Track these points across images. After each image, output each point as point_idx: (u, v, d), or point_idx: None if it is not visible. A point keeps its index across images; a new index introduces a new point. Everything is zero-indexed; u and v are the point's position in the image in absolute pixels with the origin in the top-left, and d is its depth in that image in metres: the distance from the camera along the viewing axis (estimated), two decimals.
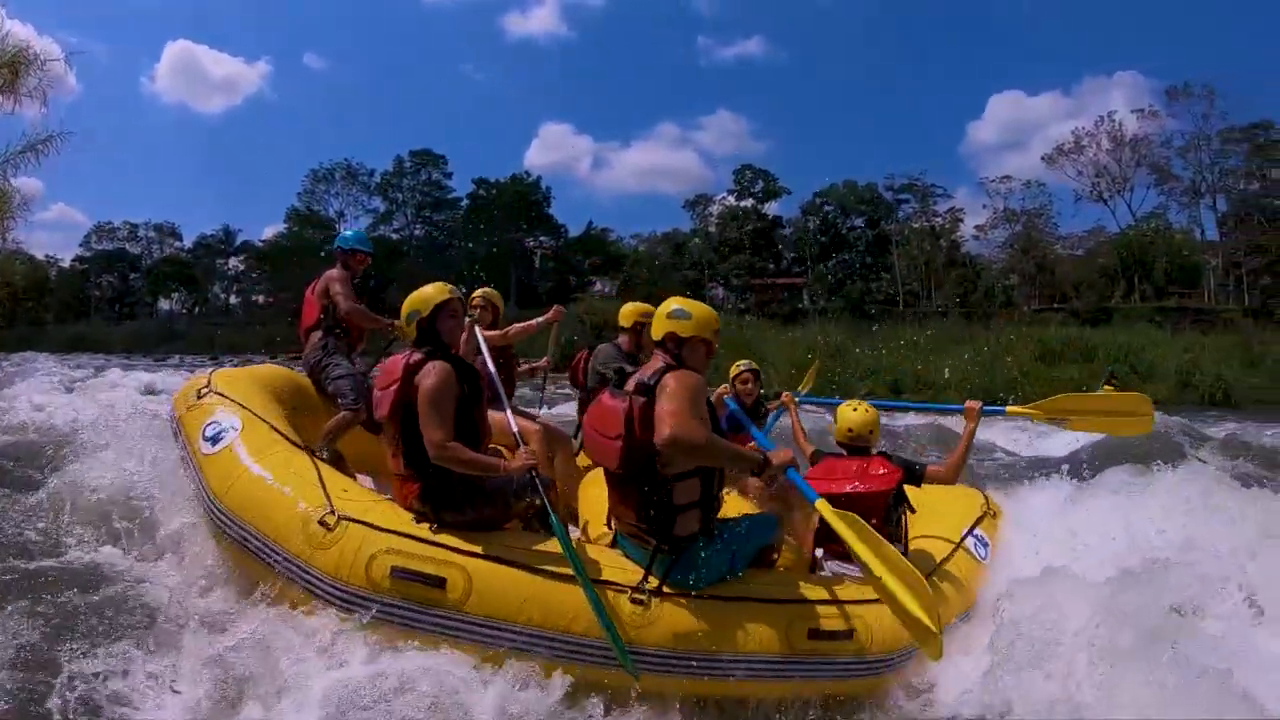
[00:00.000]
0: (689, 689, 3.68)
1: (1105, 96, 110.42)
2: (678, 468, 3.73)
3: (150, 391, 16.42)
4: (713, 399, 4.62)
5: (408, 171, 79.30)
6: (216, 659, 3.50)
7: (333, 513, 3.89)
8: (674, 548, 3.77)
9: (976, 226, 69.32)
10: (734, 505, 4.86)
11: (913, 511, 4.91)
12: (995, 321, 43.40)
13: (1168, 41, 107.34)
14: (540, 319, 6.45)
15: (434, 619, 3.61)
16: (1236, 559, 4.86)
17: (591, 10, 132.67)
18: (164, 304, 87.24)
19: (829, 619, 3.91)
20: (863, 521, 3.84)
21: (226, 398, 5.07)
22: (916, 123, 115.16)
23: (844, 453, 4.98)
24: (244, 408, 4.95)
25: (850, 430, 4.93)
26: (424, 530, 3.84)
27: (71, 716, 3.23)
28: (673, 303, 4.06)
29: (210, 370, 5.60)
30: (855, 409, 5.00)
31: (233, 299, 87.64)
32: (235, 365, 5.77)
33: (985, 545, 5.35)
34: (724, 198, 76.42)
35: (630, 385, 3.87)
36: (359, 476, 5.12)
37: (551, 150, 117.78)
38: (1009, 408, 5.58)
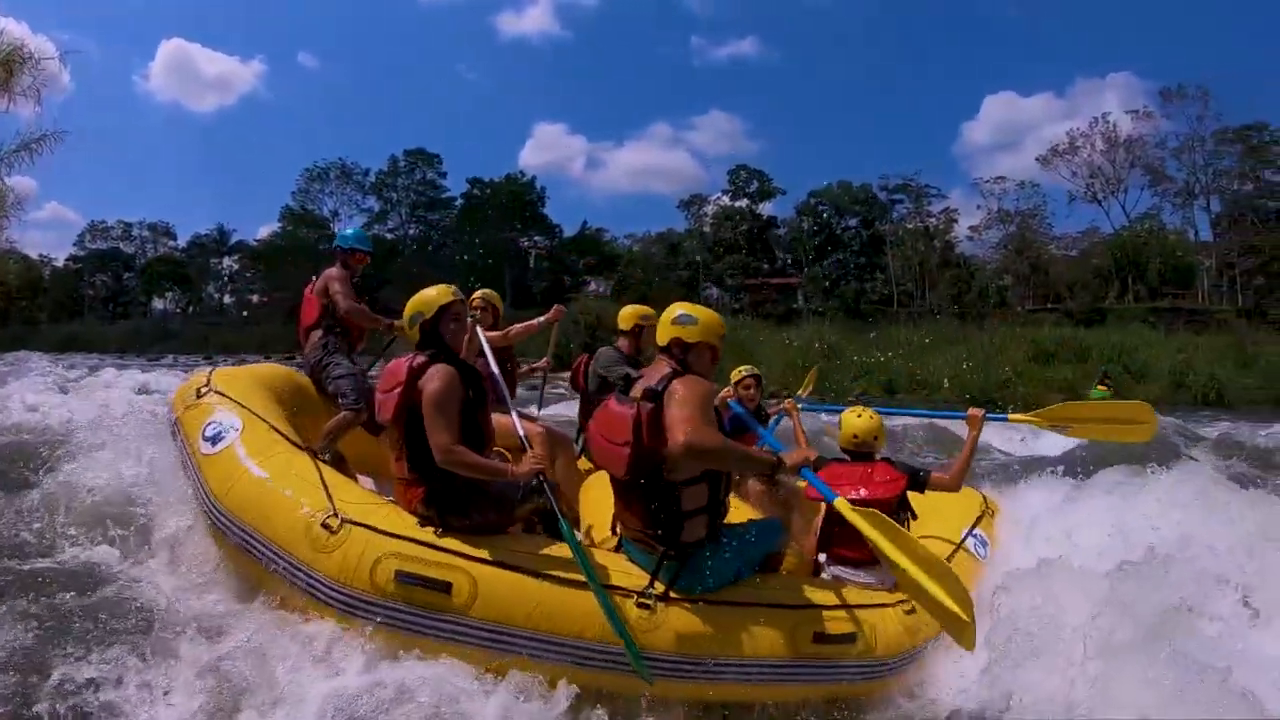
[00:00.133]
0: (695, 693, 3.67)
1: (1099, 97, 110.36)
2: (686, 474, 3.71)
3: (144, 391, 16.33)
4: (715, 402, 4.61)
5: (402, 171, 79.31)
6: (212, 667, 3.46)
7: (336, 515, 3.84)
8: (681, 554, 3.75)
9: (971, 227, 69.60)
10: (735, 510, 4.86)
11: (914, 518, 4.92)
12: (989, 322, 43.51)
13: (1162, 43, 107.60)
14: (541, 319, 6.42)
15: (439, 624, 3.56)
16: (1234, 558, 4.87)
17: (585, 10, 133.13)
18: (158, 303, 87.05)
19: (834, 623, 3.92)
20: (884, 516, 3.82)
21: (226, 397, 5.01)
22: (911, 123, 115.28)
23: (847, 458, 4.97)
24: (244, 407, 4.89)
25: (855, 436, 4.92)
26: (428, 534, 3.79)
27: None
28: (678, 308, 4.03)
29: (209, 369, 5.54)
30: (859, 415, 4.99)
31: (227, 299, 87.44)
32: (230, 365, 5.71)
33: (985, 545, 5.38)
34: (718, 198, 76.77)
35: (637, 391, 3.84)
36: (360, 478, 5.08)
37: (545, 150, 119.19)
38: (1011, 415, 5.63)
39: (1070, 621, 3.86)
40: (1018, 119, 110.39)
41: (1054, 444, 11.77)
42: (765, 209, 75.17)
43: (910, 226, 70.18)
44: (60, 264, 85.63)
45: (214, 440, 4.62)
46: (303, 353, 5.87)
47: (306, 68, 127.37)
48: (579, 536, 4.45)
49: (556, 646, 3.55)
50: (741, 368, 6.05)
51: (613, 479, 4.02)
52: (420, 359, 4.00)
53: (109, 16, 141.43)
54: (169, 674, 3.49)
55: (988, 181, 68.86)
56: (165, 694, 3.39)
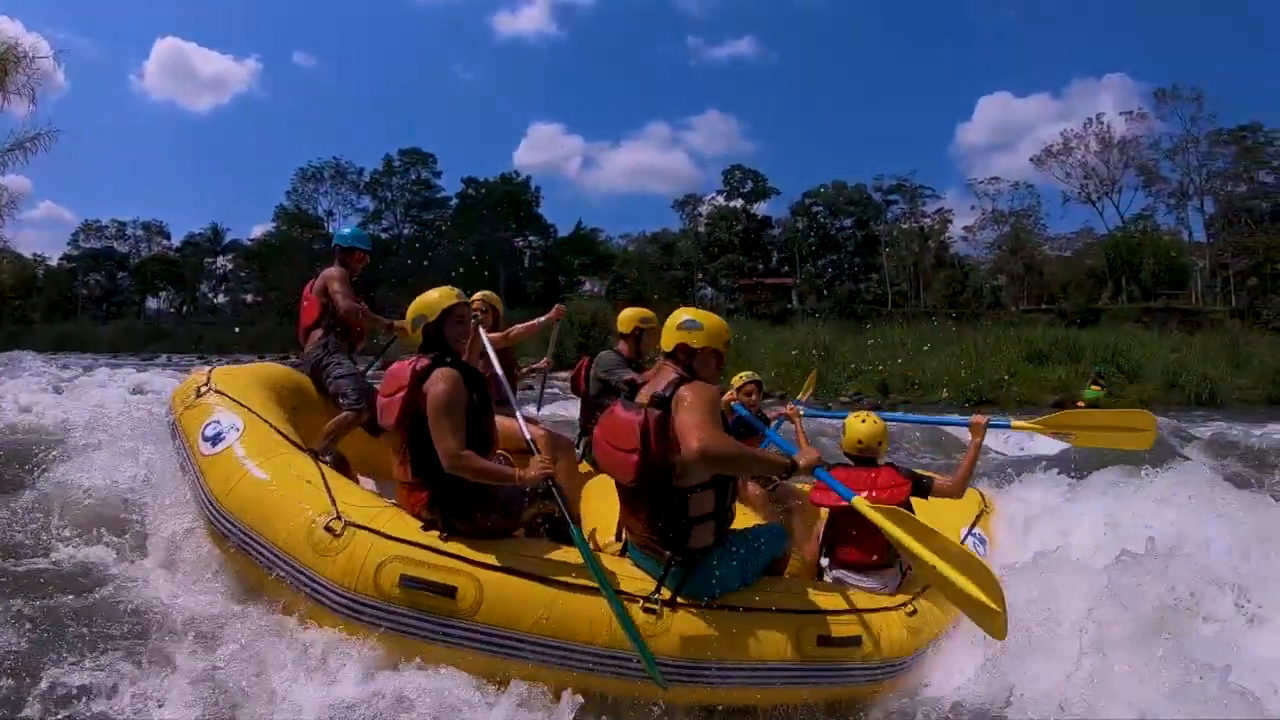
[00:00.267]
0: (701, 698, 3.67)
1: (1094, 99, 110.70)
2: (694, 480, 3.70)
3: (138, 391, 16.29)
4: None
5: (397, 170, 79.28)
6: (207, 676, 3.42)
7: (339, 519, 3.80)
8: (688, 560, 3.74)
9: (965, 227, 69.92)
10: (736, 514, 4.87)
11: None
12: (983, 322, 43.56)
13: (1156, 44, 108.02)
14: (542, 318, 6.40)
15: (444, 629, 3.55)
16: (1231, 558, 4.89)
17: (581, 10, 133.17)
18: (152, 303, 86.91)
19: (838, 626, 3.93)
20: (906, 513, 3.83)
21: (226, 396, 4.94)
22: (905, 124, 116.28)
23: (851, 463, 4.98)
24: (244, 407, 4.82)
25: (860, 442, 4.91)
26: (433, 538, 3.76)
27: None
28: (683, 313, 4.01)
29: (208, 367, 5.47)
30: (864, 420, 4.97)
31: (221, 298, 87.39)
32: (226, 365, 5.66)
33: (984, 543, 5.40)
34: (713, 198, 76.85)
35: (643, 397, 3.83)
36: (360, 479, 5.05)
37: (541, 150, 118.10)
38: (1014, 423, 5.64)
39: (1068, 616, 3.86)
40: (1012, 120, 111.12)
41: (1049, 443, 11.76)
42: (760, 209, 75.47)
43: (905, 227, 70.38)
44: (54, 263, 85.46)
45: (214, 441, 4.56)
46: (299, 352, 5.83)
47: (301, 67, 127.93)
48: None
49: (564, 652, 3.53)
50: (742, 374, 6.05)
51: (619, 485, 3.97)
52: (423, 362, 3.96)
53: (104, 15, 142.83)
54: (164, 682, 3.44)
55: (982, 182, 69.23)
56: (160, 705, 3.34)
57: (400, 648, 3.57)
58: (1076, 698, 3.51)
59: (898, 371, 31.55)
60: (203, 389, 5.08)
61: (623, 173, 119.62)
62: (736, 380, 5.97)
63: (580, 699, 3.48)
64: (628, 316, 6.15)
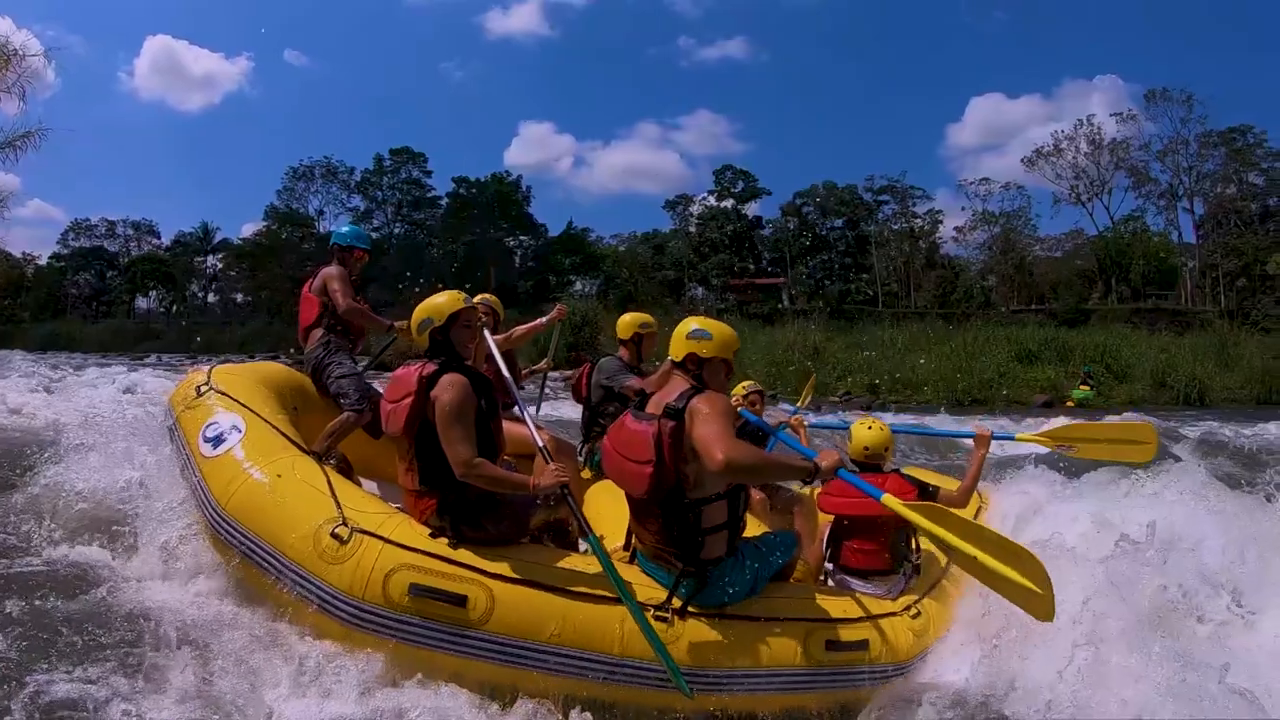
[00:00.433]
0: (713, 705, 3.63)
1: (1085, 100, 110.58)
2: (707, 491, 3.69)
3: (129, 391, 16.19)
4: None
5: (387, 170, 78.82)
6: (200, 690, 3.35)
7: (345, 525, 3.75)
8: (700, 571, 3.73)
9: (955, 228, 69.84)
10: None
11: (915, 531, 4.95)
12: (973, 322, 43.69)
13: (1147, 46, 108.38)
14: (544, 319, 6.39)
15: (454, 638, 3.51)
16: (1225, 558, 4.91)
17: (573, 9, 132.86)
18: (141, 302, 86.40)
19: (845, 631, 3.93)
20: (939, 507, 3.81)
21: (227, 396, 4.86)
22: (897, 124, 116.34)
23: (857, 470, 4.99)
24: (246, 408, 4.74)
25: (867, 448, 4.91)
26: (442, 546, 3.72)
27: None
28: (692, 322, 3.99)
29: (208, 366, 5.38)
30: (870, 427, 4.99)
31: (211, 297, 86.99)
32: (218, 364, 5.58)
33: None
34: (704, 198, 76.58)
35: (653, 408, 3.80)
36: (363, 482, 5.00)
37: (532, 149, 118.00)
38: (1018, 435, 5.78)
39: (1065, 609, 3.85)
40: (1003, 121, 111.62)
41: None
42: (751, 209, 75.31)
43: (895, 227, 70.44)
44: (43, 262, 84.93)
45: (215, 442, 4.48)
46: (289, 351, 5.79)
47: (293, 65, 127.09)
48: (585, 547, 4.40)
49: (578, 661, 3.51)
50: (744, 383, 6.07)
51: (629, 497, 3.95)
52: (430, 367, 3.92)
53: (94, 12, 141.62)
54: (157, 699, 3.34)
55: (973, 183, 69.17)
56: None
57: (409, 658, 3.53)
58: (1073, 694, 3.52)
59: (887, 371, 31.65)
60: (203, 388, 4.99)
61: (614, 173, 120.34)
62: (739, 390, 5.98)
63: (589, 715, 3.48)
64: (627, 322, 6.12)
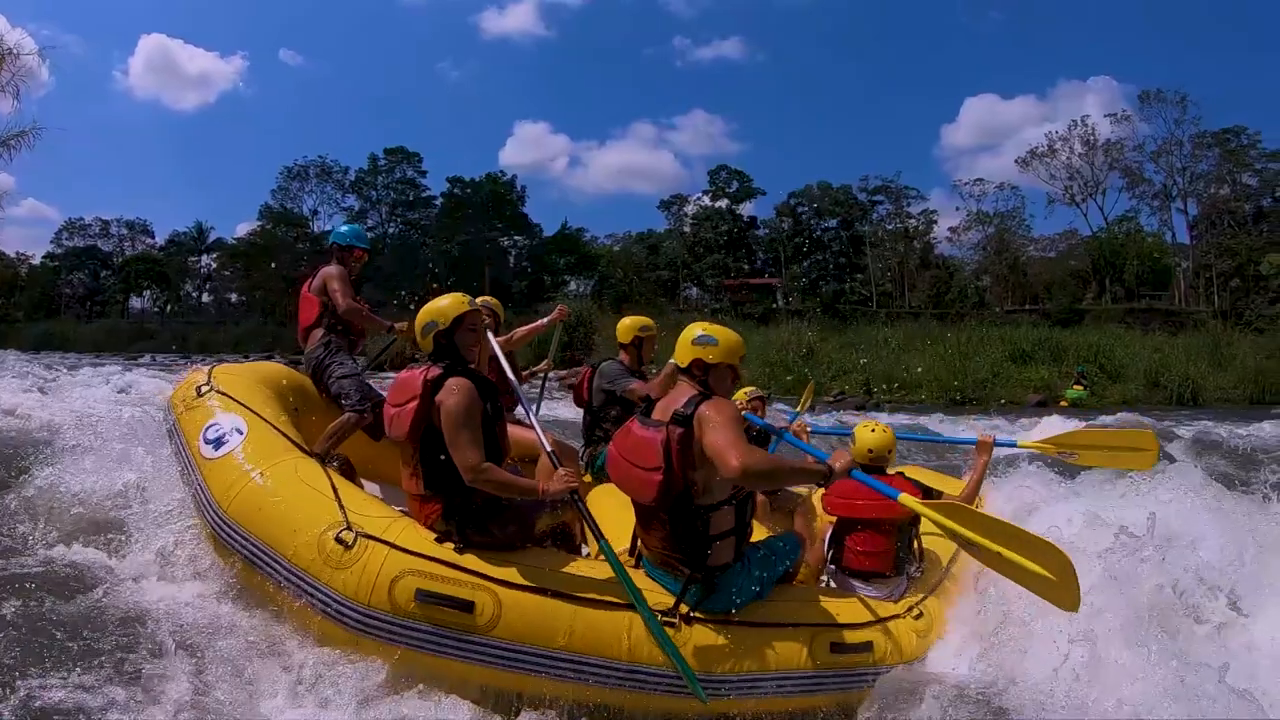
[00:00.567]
0: (721, 709, 3.63)
1: (1079, 101, 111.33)
2: (715, 498, 3.69)
3: (124, 391, 16.14)
4: None
5: (382, 169, 78.68)
6: (196, 700, 3.34)
7: (350, 530, 3.72)
8: (708, 577, 3.73)
9: (950, 228, 69.90)
10: None
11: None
12: (967, 322, 43.74)
13: (1141, 47, 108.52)
14: (545, 320, 6.39)
15: (461, 644, 3.50)
16: (1222, 558, 4.92)
17: (568, 9, 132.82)
18: (135, 302, 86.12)
19: (850, 633, 3.94)
20: (959, 504, 3.83)
21: (228, 397, 4.81)
22: (892, 125, 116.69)
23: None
24: (248, 409, 4.70)
25: (871, 451, 4.92)
26: (448, 551, 3.70)
27: None
28: (697, 328, 3.99)
29: (208, 366, 5.32)
30: (874, 430, 5.00)
31: (205, 297, 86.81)
32: (211, 364, 5.51)
33: None
34: (699, 198, 76.55)
35: (659, 414, 3.80)
36: (364, 484, 4.97)
37: (527, 149, 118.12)
38: (1021, 442, 5.80)
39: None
40: (998, 121, 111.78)
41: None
42: (746, 209, 75.33)
43: (890, 228, 70.45)
44: (37, 262, 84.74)
45: (217, 444, 4.44)
46: (283, 351, 5.77)
47: (288, 65, 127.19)
48: (590, 553, 4.37)
49: (586, 667, 3.51)
50: (746, 389, 6.06)
51: (636, 504, 3.94)
52: (435, 371, 3.89)
53: (89, 10, 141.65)
54: (153, 708, 3.29)
55: (967, 183, 69.29)
56: None
57: (415, 664, 3.52)
58: (1071, 693, 3.51)
59: (881, 371, 31.69)
60: (203, 389, 4.95)
61: (608, 172, 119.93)
62: (740, 395, 5.98)
63: None
64: (627, 326, 6.10)
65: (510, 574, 3.63)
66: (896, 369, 31.71)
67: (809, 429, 6.06)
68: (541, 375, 6.92)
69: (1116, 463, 5.61)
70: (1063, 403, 26.98)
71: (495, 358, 4.86)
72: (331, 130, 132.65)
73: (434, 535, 3.82)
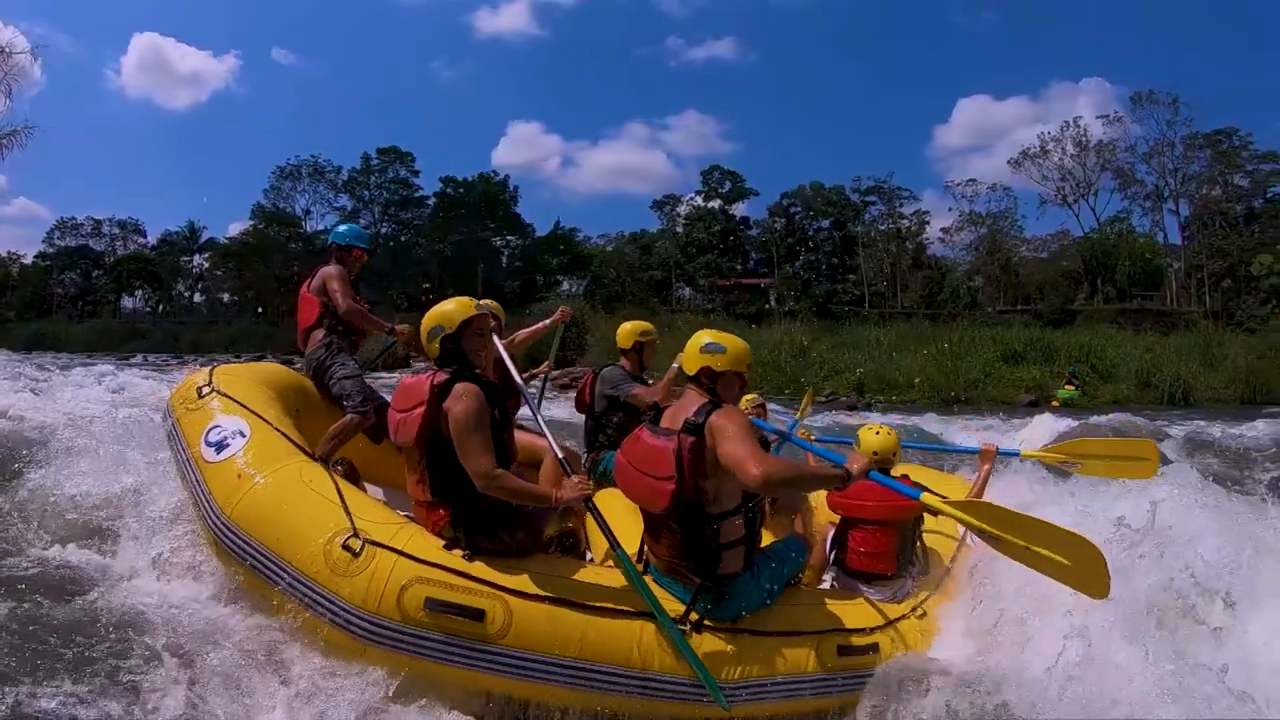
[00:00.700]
0: (727, 714, 3.60)
1: (1071, 102, 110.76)
2: (725, 506, 3.68)
3: (117, 391, 16.06)
4: None
5: (375, 169, 78.36)
6: (190, 715, 3.28)
7: (357, 536, 3.66)
8: (717, 585, 3.72)
9: (942, 229, 70.02)
10: None
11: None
12: (959, 322, 43.87)
13: (1134, 49, 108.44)
14: (547, 321, 6.38)
15: (471, 653, 3.47)
16: (1219, 557, 4.92)
17: (562, 9, 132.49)
18: (127, 302, 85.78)
19: (857, 636, 3.94)
20: (981, 502, 3.85)
21: (230, 399, 4.75)
22: (884, 126, 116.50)
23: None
24: (250, 410, 4.64)
25: (875, 453, 4.92)
26: (457, 558, 3.66)
27: None
28: (704, 336, 3.99)
29: (209, 366, 5.26)
30: (877, 432, 5.03)
31: (197, 297, 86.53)
32: (201, 364, 5.46)
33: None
34: (692, 198, 76.53)
35: (668, 422, 3.80)
36: (368, 488, 4.91)
37: (520, 149, 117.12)
38: (1023, 451, 5.86)
39: (1059, 602, 3.86)
40: (990, 123, 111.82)
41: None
42: (738, 210, 75.39)
43: (882, 228, 70.59)
44: (29, 261, 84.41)
45: (218, 447, 4.38)
46: (275, 351, 5.74)
47: (280, 64, 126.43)
48: (594, 559, 4.37)
49: (598, 675, 3.49)
50: (748, 396, 6.06)
51: (645, 512, 3.93)
52: (442, 376, 3.85)
53: (81, 9, 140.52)
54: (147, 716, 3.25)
55: (960, 184, 69.37)
56: None
57: (425, 672, 3.50)
58: (1070, 692, 3.50)
59: (873, 371, 31.76)
60: (204, 390, 4.89)
61: (601, 172, 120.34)
62: (743, 402, 5.96)
63: None
64: (627, 331, 6.09)
65: (521, 582, 3.60)
66: (889, 369, 31.78)
67: (813, 436, 6.07)
68: (542, 377, 6.90)
69: (1118, 472, 5.63)
70: (1054, 403, 27.04)
71: (501, 361, 4.82)
72: (324, 130, 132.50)
73: (442, 542, 3.77)
